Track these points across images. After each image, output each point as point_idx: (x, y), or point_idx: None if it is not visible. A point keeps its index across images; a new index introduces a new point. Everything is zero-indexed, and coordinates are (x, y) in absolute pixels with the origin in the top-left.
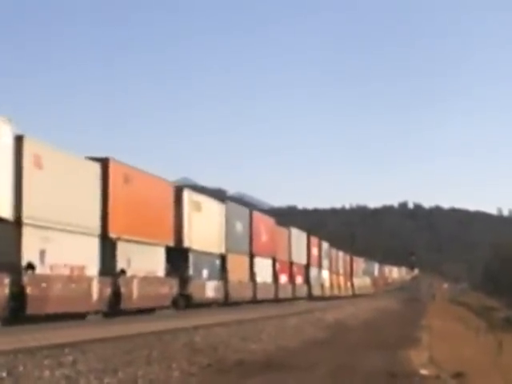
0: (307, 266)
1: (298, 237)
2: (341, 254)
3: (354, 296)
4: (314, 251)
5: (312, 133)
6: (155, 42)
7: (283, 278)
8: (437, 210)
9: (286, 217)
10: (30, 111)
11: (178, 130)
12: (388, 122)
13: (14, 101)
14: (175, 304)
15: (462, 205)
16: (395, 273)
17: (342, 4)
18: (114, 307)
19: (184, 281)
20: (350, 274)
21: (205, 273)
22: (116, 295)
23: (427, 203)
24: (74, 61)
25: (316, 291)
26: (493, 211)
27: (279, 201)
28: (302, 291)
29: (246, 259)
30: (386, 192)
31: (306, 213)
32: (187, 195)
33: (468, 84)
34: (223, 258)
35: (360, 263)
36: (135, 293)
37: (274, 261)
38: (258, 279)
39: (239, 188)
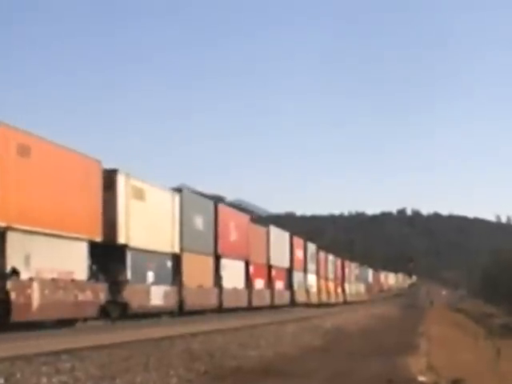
0: (290, 270)
1: (279, 237)
2: (331, 257)
3: (346, 303)
4: (299, 254)
5: (310, 140)
6: (155, 47)
7: (259, 283)
8: (435, 217)
9: (284, 223)
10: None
11: (177, 136)
12: (387, 129)
13: None
14: (106, 314)
15: (460, 211)
16: (391, 279)
17: (342, 4)
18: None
19: (117, 285)
20: (342, 280)
21: (150, 276)
22: (3, 304)
23: (426, 210)
24: (73, 63)
25: (300, 297)
26: (491, 218)
27: (277, 207)
28: (283, 298)
29: (210, 261)
30: (384, 199)
31: (304, 219)
32: (123, 179)
33: (468, 91)
34: (177, 259)
35: (353, 268)
36: (35, 300)
37: (248, 263)
38: (226, 284)
39: (237, 195)
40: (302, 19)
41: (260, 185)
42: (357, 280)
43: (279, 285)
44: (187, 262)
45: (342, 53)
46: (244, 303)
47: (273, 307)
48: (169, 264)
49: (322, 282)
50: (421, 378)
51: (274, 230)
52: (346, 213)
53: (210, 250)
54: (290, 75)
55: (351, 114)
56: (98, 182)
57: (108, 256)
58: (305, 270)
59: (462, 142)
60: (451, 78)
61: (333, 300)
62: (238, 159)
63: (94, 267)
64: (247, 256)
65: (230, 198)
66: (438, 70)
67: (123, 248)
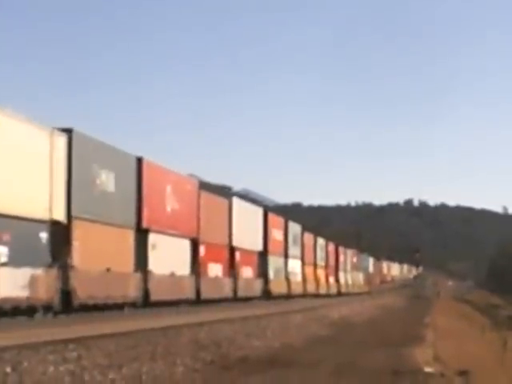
0: (264, 254)
1: (247, 213)
2: (321, 241)
3: (340, 295)
4: (276, 235)
5: (318, 130)
6: (163, 37)
7: (214, 269)
8: (442, 208)
9: (291, 213)
10: None
11: (185, 126)
12: (394, 120)
13: None
14: None
15: (467, 203)
16: (395, 270)
17: (342, 3)
18: None
19: None
20: (335, 268)
21: (2, 253)
22: None
23: (433, 201)
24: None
25: (276, 288)
26: (498, 209)
27: (284, 198)
28: (253, 288)
29: (129, 236)
30: (391, 189)
31: (311, 210)
32: None
33: (476, 80)
34: (62, 230)
35: (349, 255)
36: None
37: (196, 243)
38: (156, 269)
39: (245, 184)
40: (303, 19)
41: (267, 175)
42: (354, 269)
43: (247, 272)
44: (82, 234)
45: (349, 42)
46: (189, 295)
47: (236, 300)
48: (43, 236)
49: (309, 269)
50: (427, 369)
51: (240, 203)
52: (353, 203)
53: (129, 220)
54: (296, 64)
55: (359, 105)
56: None
57: None
58: (285, 255)
59: (469, 133)
60: (457, 68)
61: (323, 291)
62: (245, 149)
63: None
64: (195, 233)
65: (237, 187)
66: (441, 62)
67: None
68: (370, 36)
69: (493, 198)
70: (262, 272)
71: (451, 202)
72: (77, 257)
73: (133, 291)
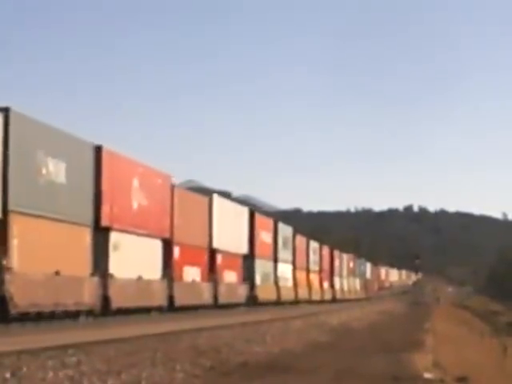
0: (250, 258)
1: (230, 212)
2: (314, 244)
3: (335, 301)
4: (265, 237)
5: (318, 136)
6: (165, 48)
7: (191, 273)
8: (442, 214)
9: (291, 219)
10: None
11: (186, 132)
12: (393, 126)
13: None
14: None
15: (467, 209)
16: (394, 276)
17: (343, 3)
18: None
19: None
20: (330, 273)
21: None
22: None
23: (432, 207)
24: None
25: (264, 294)
26: (498, 216)
27: (284, 203)
28: (236, 294)
29: (83, 234)
30: (391, 195)
31: (311, 216)
32: None
33: (477, 86)
34: None
35: (345, 260)
36: None
37: (170, 244)
38: (119, 272)
39: (245, 190)
40: (305, 19)
41: (267, 181)
42: (351, 274)
43: (229, 276)
44: (21, 231)
45: (351, 45)
46: (160, 301)
47: (217, 307)
48: None
49: (302, 274)
50: (427, 375)
51: (222, 202)
52: (352, 209)
53: (85, 217)
54: (297, 72)
55: (359, 111)
56: None
57: None
58: (275, 259)
59: (469, 140)
60: (459, 75)
61: (316, 297)
62: (246, 155)
63: None
64: (168, 233)
65: (237, 193)
66: (443, 66)
67: None
68: (369, 39)
69: (492, 204)
70: (248, 277)
71: (451, 208)
72: (15, 257)
73: (89, 297)
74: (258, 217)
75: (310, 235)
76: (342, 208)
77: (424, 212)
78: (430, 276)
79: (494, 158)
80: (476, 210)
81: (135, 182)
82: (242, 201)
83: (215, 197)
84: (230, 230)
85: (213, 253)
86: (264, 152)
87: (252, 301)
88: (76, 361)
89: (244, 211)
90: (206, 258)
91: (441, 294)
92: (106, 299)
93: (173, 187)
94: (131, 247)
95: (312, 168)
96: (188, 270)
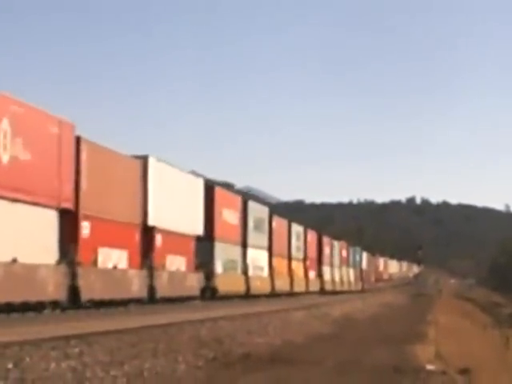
0: (207, 240)
1: (177, 182)
2: (297, 228)
3: (324, 293)
4: (229, 217)
5: (320, 127)
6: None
7: (111, 258)
8: (444, 206)
9: (294, 211)
10: None
11: (189, 124)
12: (397, 117)
13: None
14: None
15: (469, 201)
16: (394, 267)
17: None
18: None
19: None
20: (318, 262)
21: None
22: None
23: (435, 199)
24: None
25: (227, 285)
26: (500, 207)
27: (287, 195)
28: (185, 284)
29: None
30: (393, 187)
31: (313, 207)
32: None
33: (476, 79)
34: None
35: (336, 248)
36: None
37: (73, 217)
38: None
39: (248, 182)
40: (302, 13)
41: (270, 172)
42: (344, 264)
43: (177, 263)
44: None
45: (351, 36)
46: (55, 295)
47: (154, 302)
48: None
49: (281, 262)
50: (429, 367)
51: (162, 168)
52: (355, 201)
53: None
54: (297, 65)
55: (362, 103)
56: None
57: None
58: (244, 243)
59: (472, 131)
60: (460, 69)
61: (300, 288)
62: (248, 147)
63: None
64: (70, 202)
65: (239, 185)
66: (441, 59)
67: None
68: (370, 33)
69: (495, 196)
70: (204, 264)
71: (453, 200)
72: None
73: None
74: (220, 192)
75: (313, 226)
76: (345, 199)
77: (426, 204)
78: (432, 268)
79: (496, 149)
80: (478, 201)
81: (4, 125)
82: (244, 192)
83: (152, 160)
84: (176, 205)
85: (149, 232)
86: (267, 144)
87: (210, 293)
88: None
89: (198, 183)
90: (136, 237)
91: (443, 286)
92: None
93: (79, 139)
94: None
95: (315, 160)
96: (106, 253)
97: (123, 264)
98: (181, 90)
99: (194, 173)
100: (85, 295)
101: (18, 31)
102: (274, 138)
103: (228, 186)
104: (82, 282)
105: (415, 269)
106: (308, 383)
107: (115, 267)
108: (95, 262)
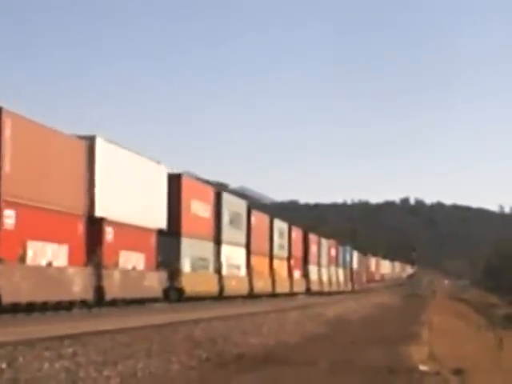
0: (172, 235)
1: (133, 167)
2: (280, 225)
3: (310, 294)
4: (199, 209)
5: (314, 128)
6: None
7: (44, 254)
8: (438, 207)
9: (288, 211)
10: None
11: (181, 123)
12: (390, 119)
13: None
14: None
15: (463, 201)
16: (386, 267)
17: (344, 2)
18: None
19: None
20: (303, 261)
21: None
22: None
23: (429, 199)
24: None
25: (197, 285)
26: (494, 208)
27: (281, 195)
28: (143, 285)
29: None
30: (387, 188)
31: (307, 208)
32: None
33: (473, 80)
34: None
35: (324, 246)
36: None
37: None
38: None
39: (241, 182)
40: (303, 13)
41: (264, 173)
42: (332, 264)
43: (133, 260)
44: None
45: (348, 42)
46: None
47: (102, 305)
48: None
49: (260, 260)
50: (422, 368)
51: (113, 150)
52: (349, 201)
53: None
54: (294, 64)
55: (355, 104)
56: None
57: None
58: (217, 240)
59: (466, 132)
60: (458, 69)
61: (283, 289)
62: (242, 147)
63: None
64: None
65: (233, 185)
66: (441, 62)
67: None
68: (369, 32)
69: (489, 197)
70: (168, 262)
71: (447, 201)
72: None
73: None
74: (188, 181)
75: (306, 227)
76: (339, 200)
77: (420, 204)
78: (426, 268)
79: (491, 150)
80: (473, 202)
81: None
82: (239, 192)
83: (100, 141)
84: (132, 195)
85: (96, 224)
86: (261, 144)
87: (176, 295)
88: None
89: (161, 170)
90: (79, 230)
91: (437, 287)
92: None
93: (0, 110)
94: None
95: (309, 160)
96: (38, 248)
97: (62, 261)
98: (176, 90)
99: (188, 173)
100: (6, 299)
101: None
102: (268, 139)
103: (222, 186)
104: (3, 283)
105: (409, 269)
106: None
107: (50, 264)
108: (23, 258)
